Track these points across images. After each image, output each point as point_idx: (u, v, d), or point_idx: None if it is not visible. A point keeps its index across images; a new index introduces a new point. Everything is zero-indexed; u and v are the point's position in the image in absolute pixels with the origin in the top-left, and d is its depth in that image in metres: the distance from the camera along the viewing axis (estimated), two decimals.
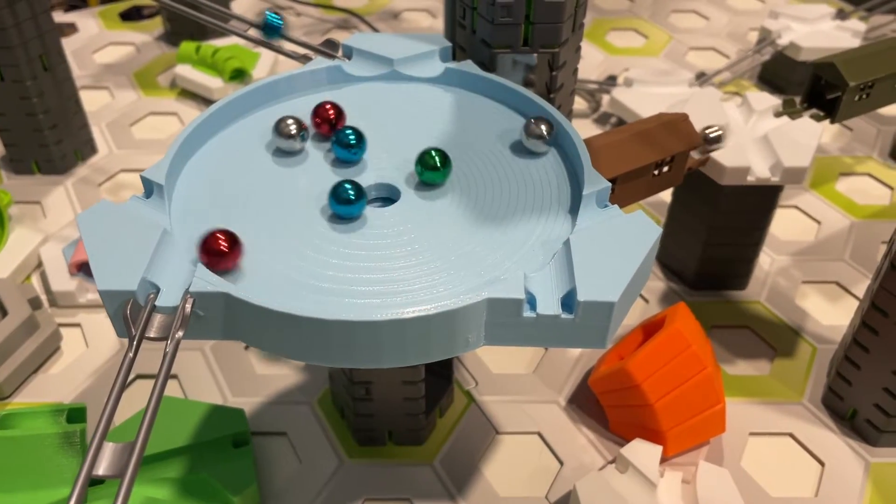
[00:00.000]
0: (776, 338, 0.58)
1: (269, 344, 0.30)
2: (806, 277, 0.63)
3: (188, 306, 0.29)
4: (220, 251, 0.30)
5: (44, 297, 0.59)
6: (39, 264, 0.62)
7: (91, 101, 0.83)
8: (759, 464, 0.49)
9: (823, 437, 0.51)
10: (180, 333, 0.28)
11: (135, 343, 0.28)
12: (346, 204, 0.33)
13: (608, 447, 0.50)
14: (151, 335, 0.28)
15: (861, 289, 0.62)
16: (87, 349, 0.56)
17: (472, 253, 0.32)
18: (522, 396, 0.53)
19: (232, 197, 0.35)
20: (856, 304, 0.61)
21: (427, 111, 0.41)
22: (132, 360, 0.27)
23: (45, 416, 0.43)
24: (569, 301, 0.29)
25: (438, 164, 0.35)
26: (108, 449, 0.24)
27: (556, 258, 0.31)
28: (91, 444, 0.24)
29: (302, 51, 0.47)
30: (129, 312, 0.29)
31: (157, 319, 0.29)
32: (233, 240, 0.30)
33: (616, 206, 0.33)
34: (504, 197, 0.35)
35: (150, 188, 0.34)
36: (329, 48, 0.45)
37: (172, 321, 0.29)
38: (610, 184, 0.34)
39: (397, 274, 0.31)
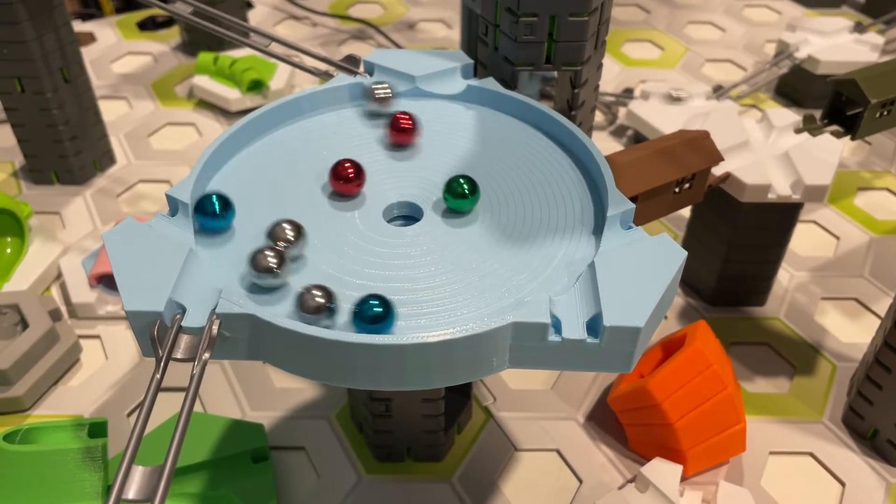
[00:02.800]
0: (795, 355, 0.58)
1: (294, 365, 0.30)
2: (825, 294, 0.63)
3: (215, 328, 0.29)
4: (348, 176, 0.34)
5: (63, 309, 0.59)
6: (59, 275, 0.63)
7: (109, 111, 0.83)
8: (779, 483, 0.49)
9: (844, 457, 0.51)
10: (207, 355, 0.28)
11: (162, 364, 0.28)
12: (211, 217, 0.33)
13: (628, 466, 0.50)
14: (178, 356, 0.28)
15: (881, 305, 0.62)
16: (106, 361, 0.56)
17: (496, 273, 0.32)
18: (541, 413, 0.53)
19: (255, 216, 0.35)
20: (876, 321, 0.61)
21: (448, 129, 0.41)
22: (159, 382, 0.27)
23: (67, 430, 0.43)
24: (594, 325, 0.29)
25: (467, 192, 0.35)
26: (137, 472, 0.25)
27: (580, 281, 0.31)
28: (120, 468, 0.24)
29: (323, 66, 0.47)
30: (156, 333, 0.29)
31: (184, 340, 0.29)
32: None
33: (641, 228, 0.33)
34: (527, 217, 0.35)
35: (175, 206, 0.34)
36: (351, 64, 0.45)
37: (199, 342, 0.29)
38: (633, 205, 0.34)
39: (420, 295, 0.31)
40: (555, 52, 0.42)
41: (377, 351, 0.28)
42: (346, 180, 0.36)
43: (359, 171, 0.36)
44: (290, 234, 0.32)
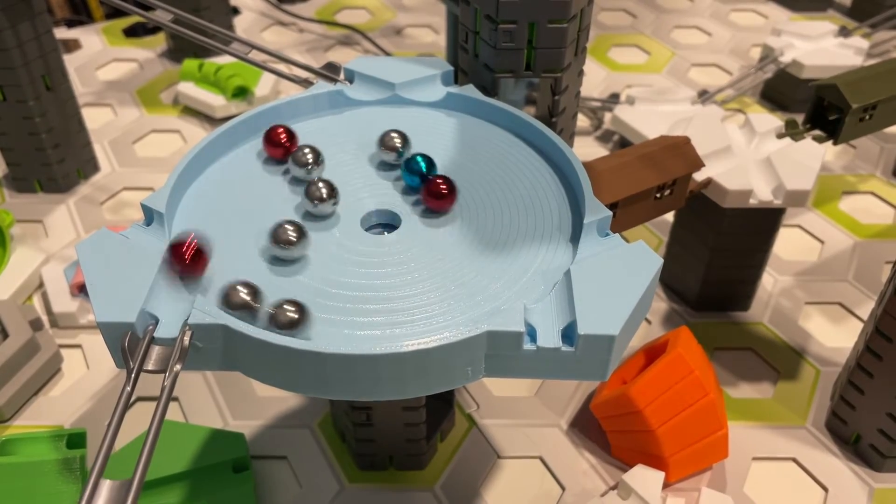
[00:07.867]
0: (779, 360, 0.58)
1: (267, 376, 0.30)
2: (809, 298, 0.63)
3: (187, 339, 0.29)
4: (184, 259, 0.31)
5: (45, 318, 0.59)
6: (41, 284, 0.62)
7: (94, 118, 0.83)
8: (762, 489, 0.49)
9: (827, 463, 0.51)
10: (178, 367, 0.28)
11: (132, 376, 0.28)
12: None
13: (610, 472, 0.50)
14: (149, 368, 0.28)
15: (864, 310, 0.62)
16: (87, 371, 0.56)
17: (473, 282, 0.32)
18: (524, 420, 0.53)
19: (232, 224, 0.34)
20: (859, 325, 0.61)
21: (428, 136, 0.41)
22: (129, 394, 0.27)
23: (45, 441, 0.43)
24: (569, 334, 0.29)
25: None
26: (106, 486, 0.24)
27: (556, 289, 0.31)
28: (87, 481, 0.24)
29: (304, 74, 0.47)
30: (127, 344, 0.28)
31: (156, 352, 0.29)
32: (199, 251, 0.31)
33: (617, 235, 0.33)
34: (505, 224, 0.35)
35: (150, 216, 0.34)
36: (331, 72, 0.45)
37: (171, 353, 0.28)
38: (610, 213, 0.34)
39: (397, 304, 0.31)
40: (534, 58, 0.42)
41: (350, 361, 0.28)
42: (276, 145, 0.37)
43: (290, 135, 0.37)
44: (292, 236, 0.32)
